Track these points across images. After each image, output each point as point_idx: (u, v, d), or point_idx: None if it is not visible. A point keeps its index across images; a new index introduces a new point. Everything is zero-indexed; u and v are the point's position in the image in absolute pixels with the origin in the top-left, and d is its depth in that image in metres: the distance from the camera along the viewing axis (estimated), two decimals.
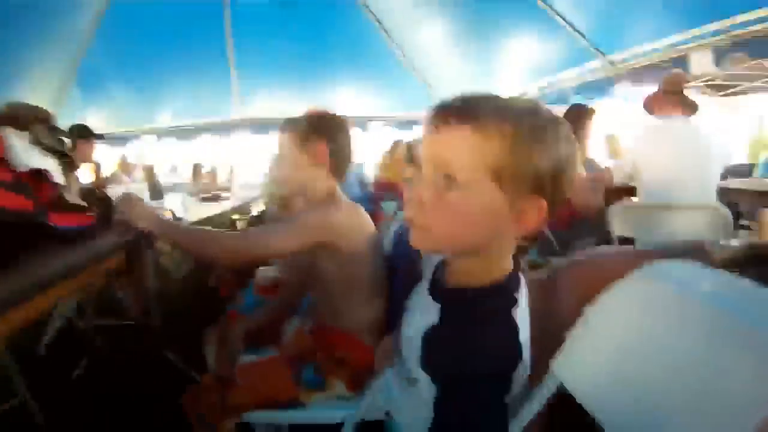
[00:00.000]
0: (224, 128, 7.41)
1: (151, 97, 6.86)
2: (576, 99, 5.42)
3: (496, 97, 0.78)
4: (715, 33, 3.52)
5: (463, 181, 0.73)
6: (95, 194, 2.71)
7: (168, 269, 4.59)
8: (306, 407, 1.47)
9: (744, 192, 3.22)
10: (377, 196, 4.34)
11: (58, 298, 1.75)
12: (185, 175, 7.79)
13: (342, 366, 1.50)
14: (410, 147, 4.99)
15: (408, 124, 7.91)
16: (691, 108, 2.97)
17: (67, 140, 2.47)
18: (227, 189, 7.37)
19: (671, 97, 2.97)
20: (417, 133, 7.85)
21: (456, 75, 6.94)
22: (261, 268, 2.50)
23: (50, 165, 2.06)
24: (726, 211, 2.35)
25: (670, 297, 0.77)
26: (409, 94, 7.54)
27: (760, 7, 3.12)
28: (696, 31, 3.66)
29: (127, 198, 1.54)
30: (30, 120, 2.16)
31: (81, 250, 1.92)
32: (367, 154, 7.62)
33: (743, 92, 7.40)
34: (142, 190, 5.38)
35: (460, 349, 0.75)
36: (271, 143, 7.42)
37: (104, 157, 6.45)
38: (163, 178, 6.08)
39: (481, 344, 0.76)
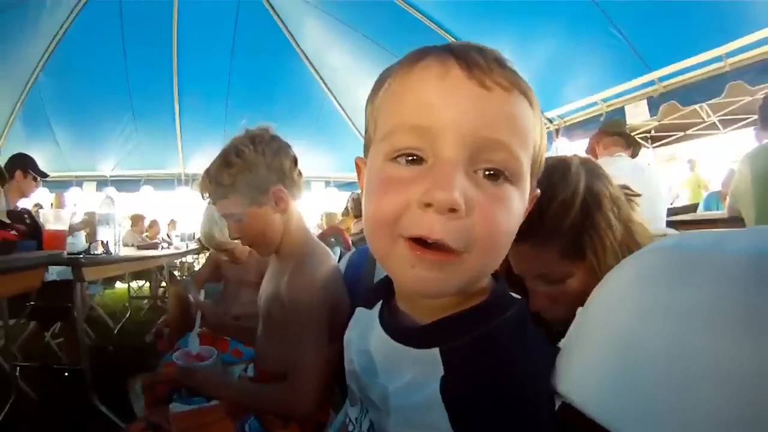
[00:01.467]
0: (167, 182, 7.24)
1: (94, 144, 6.69)
2: None
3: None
4: (648, 84, 3.75)
5: (516, 175, 0.56)
6: (23, 219, 2.59)
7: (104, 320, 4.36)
8: None
9: (691, 223, 3.34)
10: (323, 239, 4.28)
11: None
12: (123, 226, 7.52)
13: (290, 417, 1.35)
14: (356, 198, 5.02)
15: (352, 185, 7.99)
16: (633, 146, 3.11)
17: None
18: (168, 241, 7.18)
19: (614, 137, 3.10)
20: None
21: None
22: (205, 302, 2.45)
23: None
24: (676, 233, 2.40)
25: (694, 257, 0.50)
26: (350, 154, 7.58)
27: (686, 57, 3.36)
28: (629, 84, 3.89)
29: (187, 371, 1.44)
30: None
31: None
32: (310, 214, 7.59)
33: (677, 141, 7.92)
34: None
35: (508, 385, 0.57)
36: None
37: (43, 200, 6.21)
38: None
39: (528, 367, 0.59)
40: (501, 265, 0.63)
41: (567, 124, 4.89)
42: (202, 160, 7.22)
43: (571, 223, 0.93)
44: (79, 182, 6.81)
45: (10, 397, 2.82)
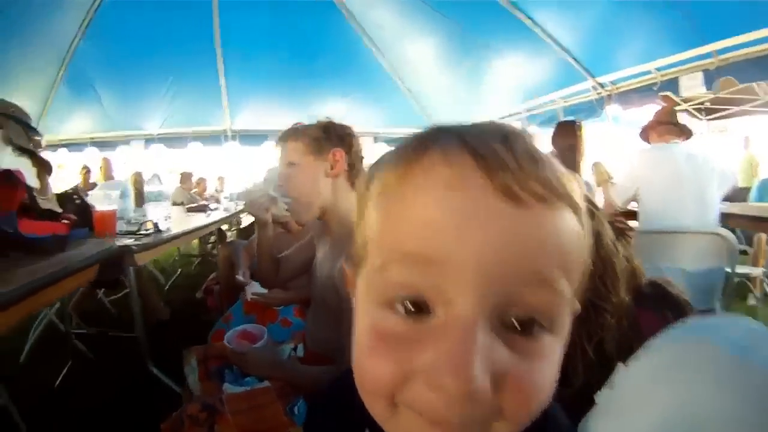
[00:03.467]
0: (214, 138, 7.38)
1: (139, 102, 6.81)
2: None
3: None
4: (705, 56, 3.55)
5: (558, 320, 0.41)
6: (73, 201, 2.62)
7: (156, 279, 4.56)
8: None
9: (740, 217, 3.22)
10: None
11: (40, 306, 1.69)
12: (169, 184, 7.75)
13: None
14: None
15: (398, 140, 7.93)
16: (686, 134, 3.03)
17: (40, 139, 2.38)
18: (216, 199, 7.36)
19: (666, 125, 3.03)
20: None
21: (444, 93, 6.98)
22: (251, 284, 2.48)
23: (23, 165, 2.00)
24: (731, 237, 2.33)
25: (728, 361, 0.51)
26: (397, 109, 7.58)
27: (748, 31, 3.16)
28: (685, 54, 3.69)
29: (239, 354, 1.50)
30: (3, 117, 2.06)
31: (53, 261, 1.81)
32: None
33: (731, 115, 7.58)
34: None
35: None
36: (262, 154, 7.43)
37: (92, 161, 6.43)
38: (147, 187, 6.03)
39: None
40: None
41: (620, 90, 4.70)
42: (248, 116, 7.33)
43: None
44: (126, 141, 7.00)
45: (68, 361, 2.96)
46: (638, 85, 4.42)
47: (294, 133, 1.58)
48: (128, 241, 2.40)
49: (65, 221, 2.16)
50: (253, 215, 1.78)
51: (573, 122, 3.36)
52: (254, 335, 1.56)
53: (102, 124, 6.86)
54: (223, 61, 6.35)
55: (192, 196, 7.10)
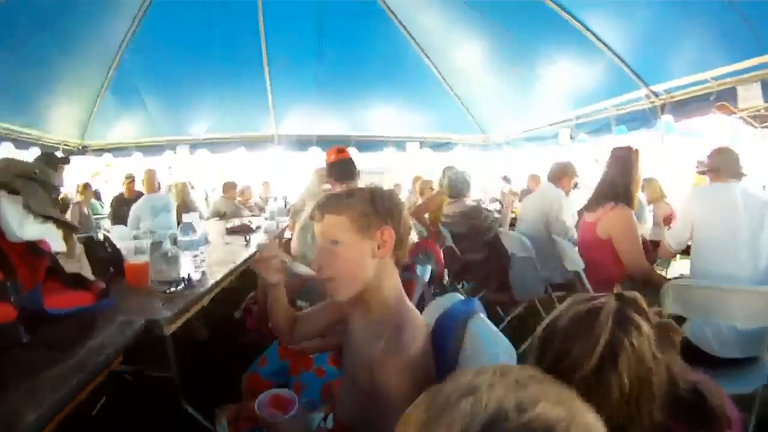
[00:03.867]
0: (259, 143, 7.50)
1: (185, 108, 6.97)
2: (618, 129, 5.28)
3: None
4: (763, 65, 3.33)
5: None
6: (105, 248, 2.57)
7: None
8: None
9: None
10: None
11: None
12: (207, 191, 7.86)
13: None
14: (452, 177, 4.91)
15: (446, 145, 7.88)
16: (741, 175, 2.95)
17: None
18: (260, 208, 7.44)
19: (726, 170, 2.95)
20: (456, 156, 7.82)
21: (493, 98, 6.87)
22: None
23: (47, 231, 1.87)
24: None
25: None
26: (444, 115, 7.53)
27: None
28: (743, 64, 3.48)
29: (270, 423, 1.45)
30: (22, 181, 1.91)
31: (71, 363, 1.50)
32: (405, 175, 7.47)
33: None
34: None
35: None
36: (306, 159, 7.50)
37: (136, 168, 6.63)
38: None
39: None
40: None
41: (674, 99, 4.47)
42: (293, 121, 7.41)
43: (582, 376, 0.94)
44: (172, 146, 7.15)
45: (100, 399, 2.86)
46: (693, 95, 4.20)
47: (337, 206, 1.37)
48: (159, 309, 2.12)
49: (94, 285, 1.99)
50: (260, 275, 1.64)
51: (629, 148, 3.22)
52: (285, 401, 1.52)
53: (148, 130, 7.05)
54: (269, 65, 6.41)
55: (236, 206, 7.20)
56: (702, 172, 3.14)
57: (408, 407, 1.05)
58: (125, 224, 5.11)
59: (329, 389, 2.07)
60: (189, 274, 2.53)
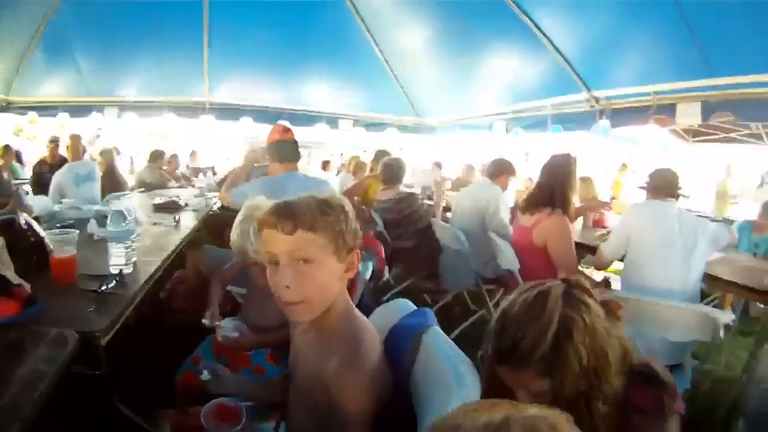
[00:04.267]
0: (191, 109, 7.18)
1: (116, 68, 6.56)
2: (554, 128, 5.51)
3: None
4: (706, 88, 3.59)
5: None
6: (27, 238, 2.22)
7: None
8: None
9: (732, 284, 3.25)
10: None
11: None
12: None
13: None
14: (387, 163, 4.93)
15: (380, 125, 7.90)
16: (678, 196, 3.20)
17: None
18: (187, 177, 7.16)
19: (665, 189, 3.17)
20: (388, 137, 7.87)
21: (433, 84, 6.95)
22: (222, 322, 2.29)
23: None
24: (716, 314, 2.38)
25: None
26: (381, 95, 7.52)
27: (756, 73, 3.20)
28: (687, 84, 3.73)
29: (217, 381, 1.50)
30: None
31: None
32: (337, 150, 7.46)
33: (717, 141, 7.79)
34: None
35: None
36: (238, 129, 7.26)
37: (62, 129, 6.18)
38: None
39: None
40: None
41: (614, 107, 4.73)
42: (227, 89, 7.15)
43: (541, 354, 1.08)
44: (99, 107, 6.71)
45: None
46: (634, 105, 4.45)
47: (312, 221, 1.22)
48: (92, 317, 1.80)
49: (16, 294, 1.65)
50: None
51: (568, 156, 3.38)
52: (232, 411, 1.51)
53: (76, 89, 6.57)
54: (209, 30, 6.11)
55: (162, 176, 6.89)
56: (642, 188, 3.37)
57: (365, 423, 1.18)
58: (47, 191, 4.79)
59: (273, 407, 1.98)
60: (121, 270, 2.23)
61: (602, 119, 4.87)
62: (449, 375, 1.15)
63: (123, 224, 2.28)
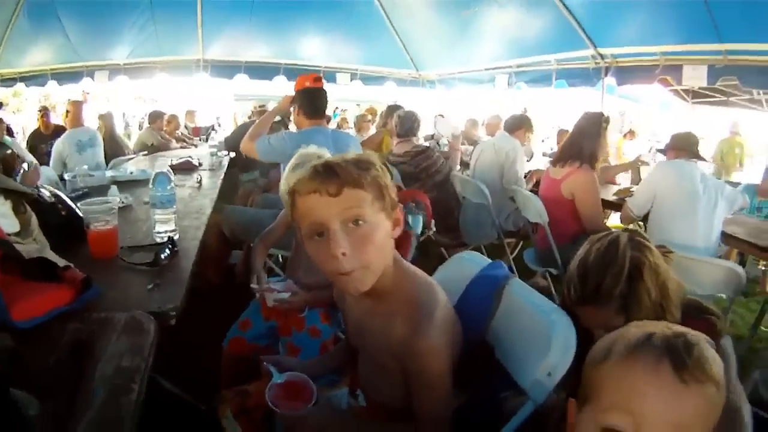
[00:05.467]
0: (184, 68, 7.16)
1: (107, 33, 6.47)
2: (557, 83, 5.51)
3: None
4: (714, 53, 3.61)
5: None
6: (59, 213, 2.05)
7: None
8: None
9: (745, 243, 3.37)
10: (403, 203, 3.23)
11: None
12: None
13: None
14: (402, 116, 4.88)
15: (378, 79, 7.84)
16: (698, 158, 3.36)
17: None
18: (185, 138, 7.15)
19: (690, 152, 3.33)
20: (386, 91, 7.81)
21: (433, 37, 6.89)
22: (271, 283, 2.14)
23: None
24: (740, 271, 2.48)
25: None
26: (380, 48, 7.46)
27: (761, 41, 3.23)
28: (695, 47, 3.74)
29: (295, 420, 1.23)
30: None
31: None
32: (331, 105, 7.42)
33: (716, 104, 7.79)
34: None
35: None
36: (232, 86, 7.21)
37: (50, 98, 6.13)
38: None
39: None
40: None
41: (619, 65, 4.74)
42: (221, 46, 7.11)
43: (620, 292, 1.29)
44: (90, 72, 6.66)
45: None
46: (639, 64, 4.47)
47: (358, 178, 1.12)
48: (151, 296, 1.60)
49: (66, 279, 1.43)
50: None
51: (600, 115, 3.42)
52: (300, 387, 1.33)
53: (64, 55, 6.50)
54: None
55: (164, 138, 6.85)
56: (660, 151, 3.44)
57: (447, 385, 1.20)
58: (45, 163, 4.79)
59: (326, 348, 2.00)
60: (171, 237, 2.07)
61: (607, 77, 4.90)
62: (544, 323, 1.21)
63: (168, 187, 2.13)
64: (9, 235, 1.48)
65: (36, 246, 1.56)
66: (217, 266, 2.83)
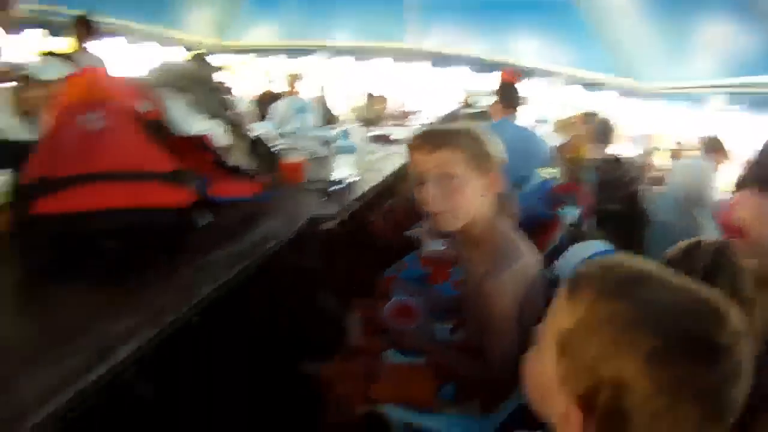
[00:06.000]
0: (402, 55, 7.56)
1: (328, 14, 7.03)
2: None
3: None
4: None
5: None
6: (264, 145, 2.67)
7: None
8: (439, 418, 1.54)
9: None
10: (556, 199, 3.36)
11: None
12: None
13: (481, 389, 1.55)
14: (599, 123, 4.88)
15: (591, 85, 7.66)
16: None
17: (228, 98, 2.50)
18: (400, 119, 7.63)
19: None
20: (601, 99, 7.60)
21: (643, 46, 6.60)
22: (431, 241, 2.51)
23: (212, 126, 2.08)
24: None
25: None
26: (589, 55, 7.28)
27: None
28: None
29: (397, 332, 1.66)
30: (194, 83, 2.15)
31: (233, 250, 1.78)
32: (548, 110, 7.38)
33: None
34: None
35: None
36: (449, 77, 7.62)
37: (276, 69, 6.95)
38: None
39: None
40: None
41: None
42: (437, 38, 7.44)
43: None
44: (312, 51, 7.22)
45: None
46: None
47: (453, 141, 1.44)
48: (319, 206, 2.41)
49: (257, 179, 2.21)
50: None
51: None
52: (410, 310, 1.68)
53: (285, 33, 7.21)
54: None
55: (377, 113, 7.21)
56: None
57: (508, 329, 1.41)
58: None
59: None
60: (346, 177, 2.73)
61: None
62: None
63: (349, 139, 2.88)
64: (220, 148, 2.13)
65: (241, 159, 2.26)
66: (397, 228, 3.18)
